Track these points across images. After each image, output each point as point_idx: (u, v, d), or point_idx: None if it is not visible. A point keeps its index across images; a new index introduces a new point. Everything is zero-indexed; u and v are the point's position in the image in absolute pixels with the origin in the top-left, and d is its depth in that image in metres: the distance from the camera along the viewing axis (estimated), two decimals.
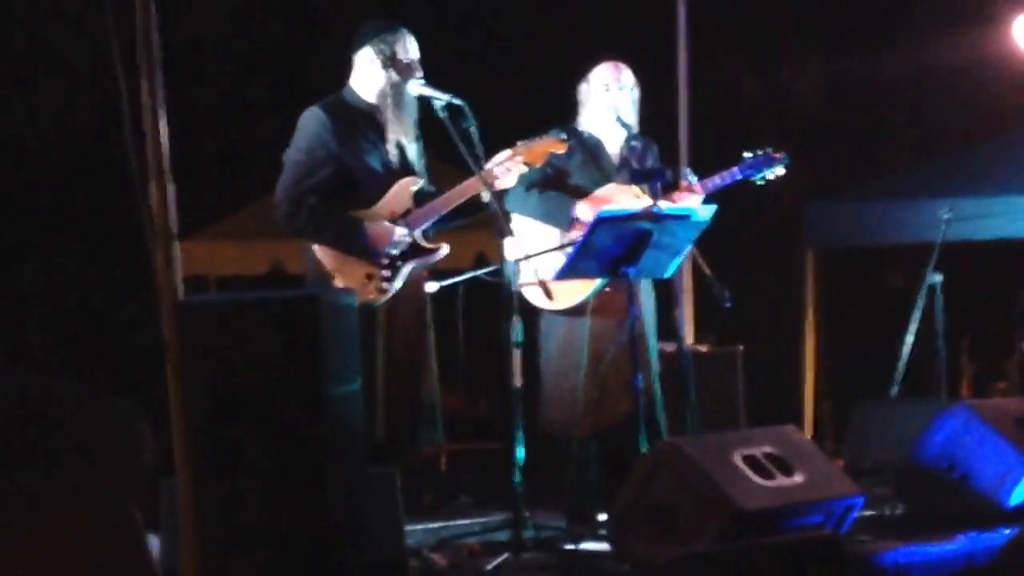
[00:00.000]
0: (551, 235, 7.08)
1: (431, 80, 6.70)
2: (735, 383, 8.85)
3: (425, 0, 11.63)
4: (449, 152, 6.65)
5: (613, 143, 7.27)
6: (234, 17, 13.45)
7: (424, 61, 6.74)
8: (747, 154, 7.30)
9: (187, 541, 4.72)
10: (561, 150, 6.87)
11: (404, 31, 6.72)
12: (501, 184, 6.70)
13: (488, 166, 6.63)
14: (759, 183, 7.37)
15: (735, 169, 7.26)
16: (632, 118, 7.25)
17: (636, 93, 7.28)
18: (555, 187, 7.12)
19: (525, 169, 6.76)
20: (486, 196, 6.61)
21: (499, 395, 11.51)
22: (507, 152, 6.70)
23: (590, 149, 7.21)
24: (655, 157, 7.33)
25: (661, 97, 9.64)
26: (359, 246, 6.58)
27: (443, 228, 6.82)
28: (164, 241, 4.79)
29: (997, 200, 10.82)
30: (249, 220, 11.90)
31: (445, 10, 12.15)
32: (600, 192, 7.13)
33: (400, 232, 6.61)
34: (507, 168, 6.66)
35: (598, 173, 7.21)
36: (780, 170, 7.35)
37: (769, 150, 7.31)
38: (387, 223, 6.61)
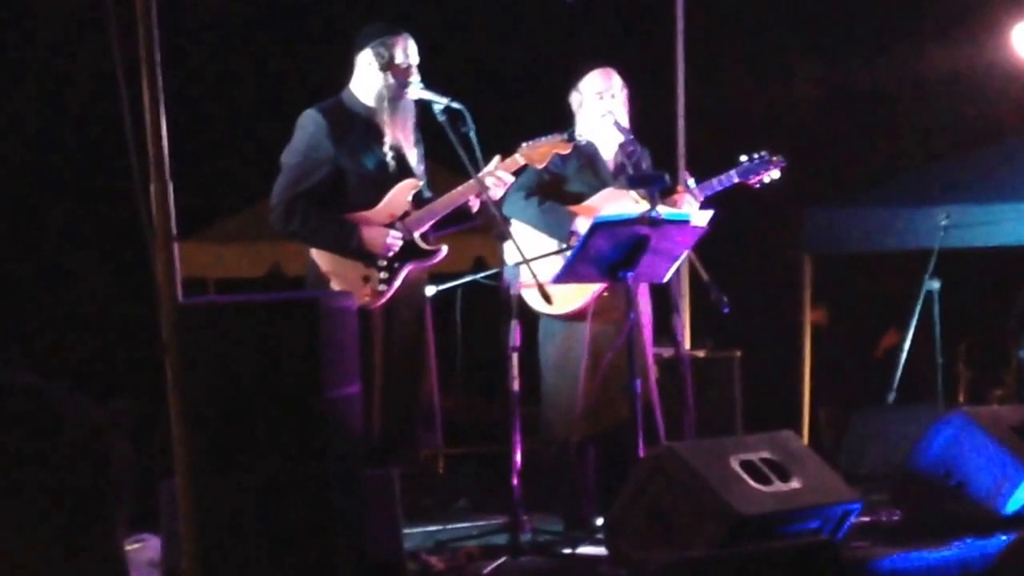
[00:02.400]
0: (550, 239, 7.09)
1: (431, 84, 6.71)
2: (732, 388, 8.85)
3: (426, 4, 11.64)
4: (448, 156, 6.66)
5: (608, 149, 7.29)
6: (234, 19, 13.45)
7: (425, 65, 6.74)
8: (743, 158, 7.34)
9: (187, 542, 4.72)
10: (566, 150, 6.88)
11: (404, 34, 6.72)
12: (493, 196, 6.69)
13: (481, 174, 6.63)
14: (756, 187, 7.40)
15: (732, 172, 7.30)
16: (626, 121, 7.27)
17: (625, 94, 7.30)
18: (553, 194, 7.13)
19: (512, 179, 6.78)
20: (486, 199, 6.62)
21: (497, 399, 11.53)
22: (496, 160, 6.70)
23: (586, 156, 7.22)
24: (648, 163, 7.35)
25: (659, 103, 9.64)
26: (353, 250, 6.58)
27: (442, 233, 6.82)
28: (164, 243, 4.79)
29: (995, 207, 10.82)
30: (247, 222, 11.89)
31: (446, 15, 12.15)
32: (597, 199, 7.14)
33: (394, 235, 6.61)
34: (498, 180, 6.66)
35: (595, 180, 7.22)
36: (776, 173, 7.39)
37: (765, 154, 7.35)
38: (382, 227, 6.62)
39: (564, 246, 6.97)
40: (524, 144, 6.80)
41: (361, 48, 6.74)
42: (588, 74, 7.28)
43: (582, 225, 6.90)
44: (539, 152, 6.81)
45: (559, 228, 7.04)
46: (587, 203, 7.13)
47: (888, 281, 13.47)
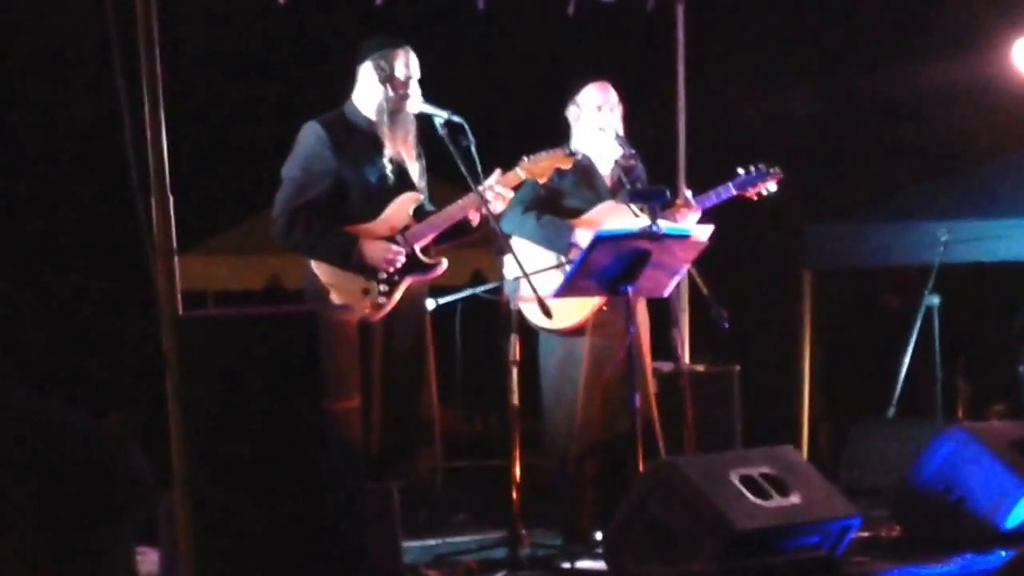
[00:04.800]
0: (549, 254, 7.08)
1: (432, 97, 6.72)
2: (732, 403, 8.84)
3: (428, 17, 11.65)
4: (450, 170, 6.66)
5: (604, 164, 7.28)
6: (234, 32, 13.46)
7: (426, 78, 6.75)
8: (740, 170, 7.35)
9: (185, 556, 4.72)
10: (567, 165, 6.88)
11: (405, 48, 6.73)
12: (493, 210, 6.70)
13: (481, 188, 6.63)
14: (754, 199, 7.40)
15: (729, 184, 7.30)
16: (622, 135, 7.27)
17: (620, 109, 7.30)
18: (550, 209, 7.12)
19: (512, 194, 6.78)
20: (486, 213, 6.63)
21: (496, 413, 11.52)
22: (497, 173, 6.70)
23: (583, 170, 7.20)
24: (644, 176, 7.34)
25: (660, 119, 9.64)
26: (354, 263, 6.58)
27: (443, 246, 6.82)
28: (164, 256, 4.79)
29: (995, 223, 10.82)
30: (246, 235, 11.89)
31: (447, 28, 12.16)
32: (597, 213, 7.13)
33: (396, 250, 6.61)
34: (497, 194, 6.66)
35: (591, 194, 7.21)
36: (773, 186, 7.39)
37: (762, 166, 7.36)
38: (383, 241, 6.62)
39: (564, 260, 6.97)
40: (525, 158, 6.80)
41: (362, 60, 6.75)
42: (585, 87, 7.27)
43: (582, 239, 6.89)
44: (540, 166, 6.81)
45: (559, 242, 7.03)
46: (586, 217, 7.13)
47: (888, 297, 13.47)
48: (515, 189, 6.89)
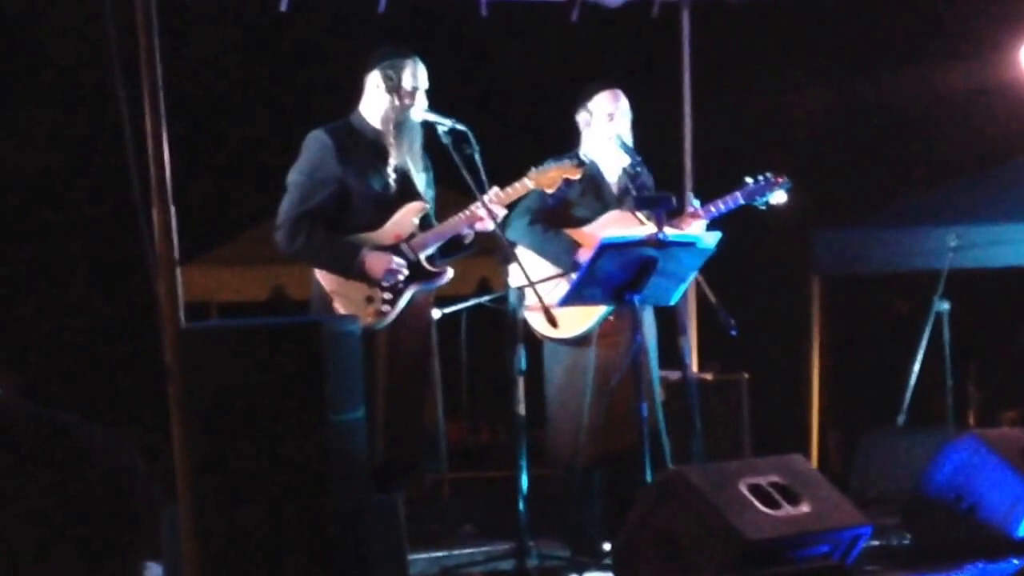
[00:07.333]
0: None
1: (437, 107, 6.69)
2: (740, 411, 8.81)
3: (432, 27, 11.64)
4: (452, 178, 6.64)
5: (612, 171, 7.25)
6: (238, 40, 13.45)
7: (433, 88, 6.73)
8: (749, 179, 7.29)
9: (190, 570, 4.68)
10: (576, 176, 6.84)
11: (413, 58, 6.72)
12: (485, 227, 6.68)
13: (473, 206, 6.61)
14: (762, 208, 7.35)
15: (737, 194, 7.24)
16: (631, 143, 7.23)
17: (630, 117, 7.26)
18: (558, 219, 7.08)
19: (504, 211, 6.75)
20: (490, 225, 6.60)
21: (502, 423, 11.49)
22: (494, 190, 6.66)
23: (591, 178, 7.17)
24: (651, 186, 7.30)
25: (666, 124, 9.62)
26: (356, 273, 6.56)
27: (451, 259, 6.80)
28: (167, 267, 4.75)
29: (1004, 228, 10.80)
30: (250, 245, 11.87)
31: (451, 37, 12.16)
32: (602, 222, 7.09)
33: (398, 263, 6.58)
34: (491, 213, 6.62)
35: (599, 202, 7.18)
36: (782, 195, 7.33)
37: (770, 175, 7.30)
38: (386, 253, 6.58)
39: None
40: (533, 169, 6.78)
41: (370, 70, 6.74)
42: (597, 94, 7.23)
43: (585, 256, 6.85)
44: (548, 177, 6.78)
45: (563, 257, 6.99)
46: (591, 227, 7.09)
47: (897, 303, 13.42)
48: (522, 198, 6.87)
